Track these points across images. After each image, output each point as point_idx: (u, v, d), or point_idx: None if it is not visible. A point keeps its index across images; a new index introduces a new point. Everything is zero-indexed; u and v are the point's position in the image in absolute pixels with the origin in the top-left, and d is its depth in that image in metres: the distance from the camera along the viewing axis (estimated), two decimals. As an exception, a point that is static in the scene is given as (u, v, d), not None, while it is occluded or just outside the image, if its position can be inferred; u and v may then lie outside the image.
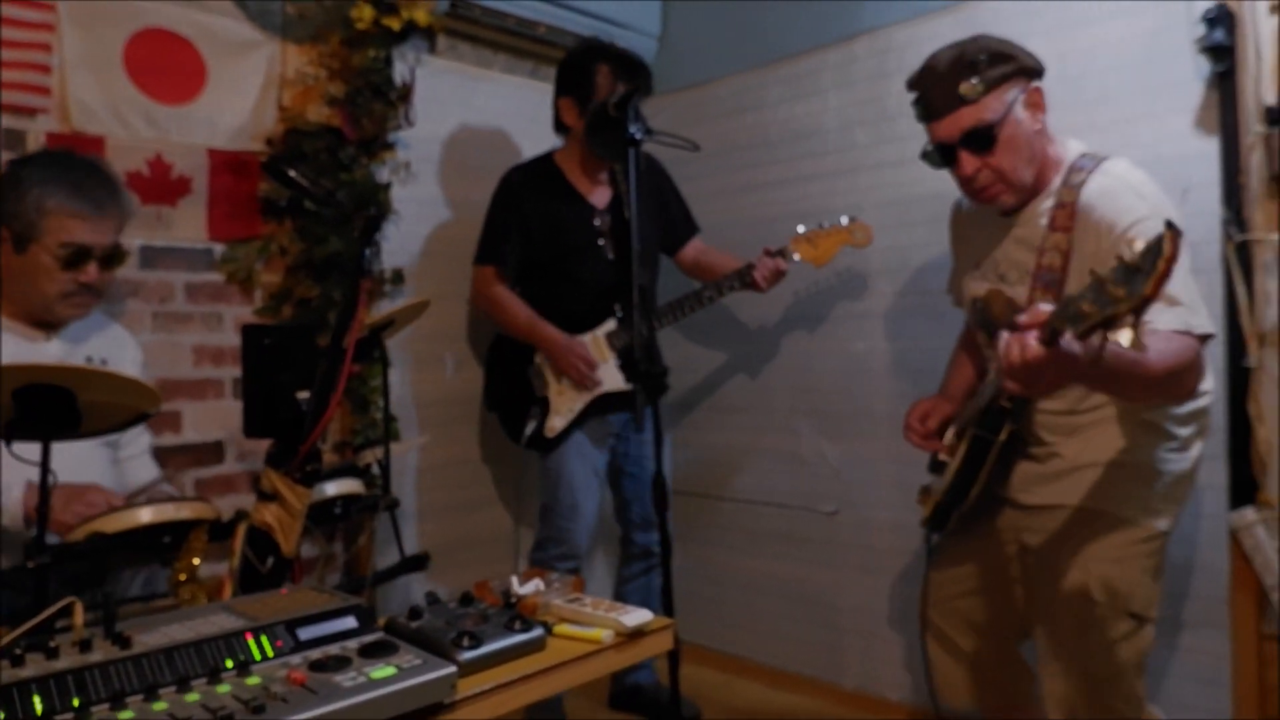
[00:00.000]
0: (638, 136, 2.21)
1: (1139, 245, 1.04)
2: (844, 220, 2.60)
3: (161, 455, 2.28)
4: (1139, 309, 1.03)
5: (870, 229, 2.59)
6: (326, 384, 1.45)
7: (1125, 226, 1.58)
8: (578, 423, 2.61)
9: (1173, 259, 1.00)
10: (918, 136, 1.86)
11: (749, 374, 3.08)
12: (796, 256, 2.59)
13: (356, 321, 1.47)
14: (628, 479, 2.78)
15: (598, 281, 2.62)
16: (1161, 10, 2.15)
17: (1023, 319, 1.27)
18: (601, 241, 2.65)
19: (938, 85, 1.72)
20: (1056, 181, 1.73)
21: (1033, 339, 1.25)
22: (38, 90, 2.22)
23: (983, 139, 1.69)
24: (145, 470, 2.15)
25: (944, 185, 1.93)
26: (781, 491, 2.97)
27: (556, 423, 2.59)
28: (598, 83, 2.55)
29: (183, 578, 1.42)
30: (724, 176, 3.05)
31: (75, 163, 1.91)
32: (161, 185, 2.40)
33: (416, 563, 1.95)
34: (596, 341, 2.62)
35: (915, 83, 1.78)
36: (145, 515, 1.40)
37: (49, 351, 1.93)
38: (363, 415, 2.62)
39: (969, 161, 1.72)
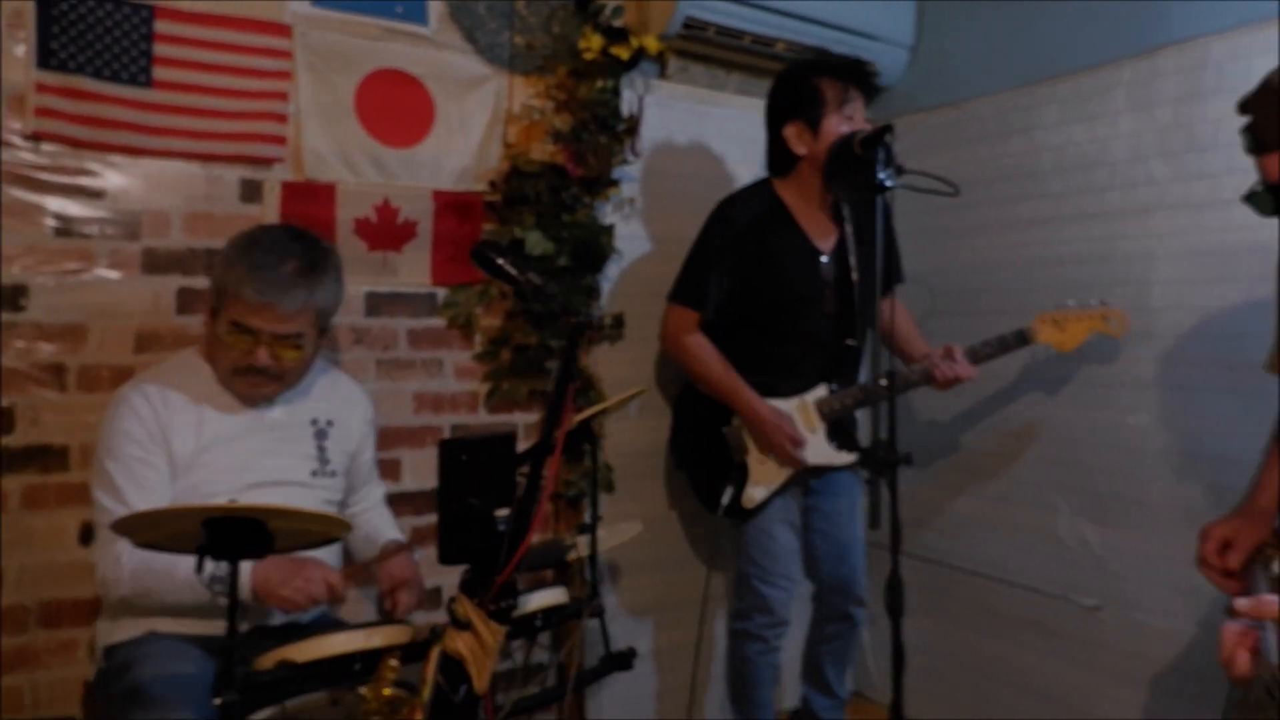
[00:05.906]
0: (887, 183, 1.95)
1: None
2: (1094, 303, 2.28)
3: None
4: None
5: (1127, 318, 2.27)
6: (525, 509, 1.31)
7: None
8: (779, 491, 2.37)
9: None
10: (1241, 173, 1.50)
11: (997, 433, 2.67)
12: (1040, 340, 2.30)
13: (560, 438, 1.31)
14: (819, 536, 2.50)
15: (813, 339, 2.35)
16: None
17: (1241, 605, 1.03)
18: (825, 293, 2.35)
19: (1276, 110, 1.35)
20: None
21: None
22: (275, 140, 2.22)
23: None
24: (382, 522, 2.11)
25: (1271, 235, 1.53)
26: (1030, 573, 2.57)
27: (756, 494, 2.35)
28: (826, 97, 2.26)
29: (374, 707, 1.34)
30: (983, 210, 2.64)
31: (276, 246, 1.79)
32: (388, 231, 2.37)
33: (621, 661, 1.81)
34: (804, 408, 2.34)
35: (1247, 104, 1.42)
36: (336, 644, 1.32)
37: (272, 416, 1.89)
38: (575, 466, 2.51)
39: None
